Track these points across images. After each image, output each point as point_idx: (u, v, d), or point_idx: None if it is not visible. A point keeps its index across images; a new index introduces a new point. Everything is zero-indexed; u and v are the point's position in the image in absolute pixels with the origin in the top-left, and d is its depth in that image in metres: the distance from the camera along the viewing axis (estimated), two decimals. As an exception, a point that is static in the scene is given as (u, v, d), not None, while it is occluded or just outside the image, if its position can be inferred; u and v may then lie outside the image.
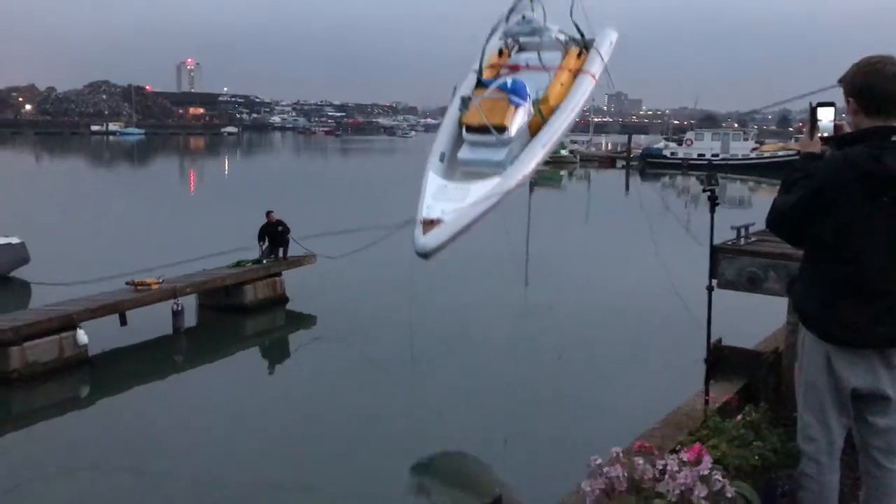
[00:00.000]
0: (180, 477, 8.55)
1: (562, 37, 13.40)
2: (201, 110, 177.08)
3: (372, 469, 8.94)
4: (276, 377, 13.13)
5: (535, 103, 12.30)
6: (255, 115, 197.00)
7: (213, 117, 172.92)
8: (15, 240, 18.57)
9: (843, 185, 3.06)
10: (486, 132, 11.93)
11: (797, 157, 3.42)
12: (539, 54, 13.45)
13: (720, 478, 2.78)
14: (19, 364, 11.57)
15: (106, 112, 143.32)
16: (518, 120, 12.06)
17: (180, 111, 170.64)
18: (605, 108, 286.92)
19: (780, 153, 56.21)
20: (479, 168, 11.79)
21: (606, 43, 13.53)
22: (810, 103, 3.40)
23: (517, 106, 12.15)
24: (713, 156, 59.25)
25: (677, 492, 2.64)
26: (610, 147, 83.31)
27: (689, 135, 69.56)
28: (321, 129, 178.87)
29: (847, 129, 3.29)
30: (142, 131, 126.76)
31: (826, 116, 3.38)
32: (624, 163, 69.97)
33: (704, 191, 3.89)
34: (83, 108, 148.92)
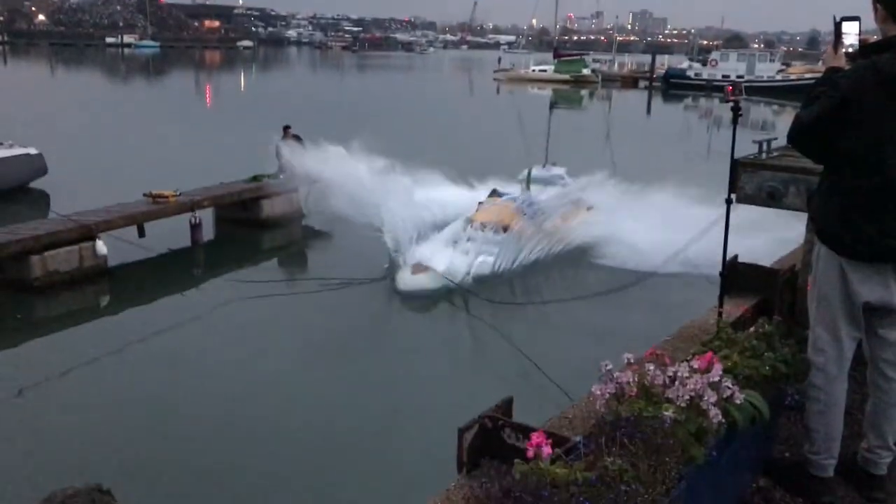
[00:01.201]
0: (195, 387, 8.75)
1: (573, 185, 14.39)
2: (216, 23, 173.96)
3: (385, 376, 9.14)
4: (293, 292, 13.23)
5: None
6: (271, 29, 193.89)
7: (229, 31, 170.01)
8: (32, 150, 18.63)
9: (868, 94, 2.99)
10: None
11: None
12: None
13: (730, 385, 2.81)
14: (40, 272, 11.76)
15: (120, 24, 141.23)
16: (521, 225, 13.15)
17: (195, 24, 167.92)
18: (628, 26, 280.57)
19: (807, 76, 55.00)
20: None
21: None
22: (834, 17, 3.30)
23: (523, 214, 13.34)
24: (738, 77, 58.03)
25: (687, 397, 2.66)
26: (634, 67, 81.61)
27: (714, 55, 68.04)
28: (338, 44, 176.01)
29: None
30: (157, 44, 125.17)
31: (851, 31, 3.28)
32: (646, 83, 68.74)
33: (727, 101, 3.82)
34: (97, 18, 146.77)
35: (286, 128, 17.12)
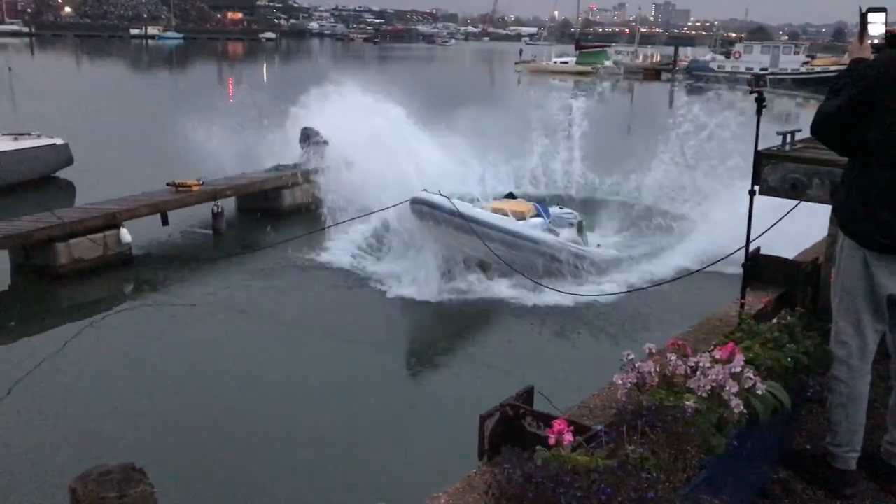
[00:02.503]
0: (217, 373, 8.84)
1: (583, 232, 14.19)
2: (239, 15, 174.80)
3: (404, 365, 9.19)
4: (310, 280, 13.26)
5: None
6: (293, 21, 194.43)
7: (251, 22, 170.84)
8: (59, 140, 18.85)
9: (894, 84, 2.97)
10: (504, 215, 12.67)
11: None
12: None
13: (751, 375, 2.81)
14: (65, 260, 11.91)
15: (144, 15, 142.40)
16: (536, 221, 12.88)
17: (218, 15, 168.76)
18: (651, 18, 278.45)
19: (832, 68, 54.38)
20: None
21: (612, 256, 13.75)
22: (860, 8, 3.28)
23: (539, 213, 13.14)
24: (762, 69, 57.43)
25: (708, 387, 2.67)
26: (659, 59, 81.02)
27: (738, 47, 67.52)
28: (359, 36, 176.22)
29: None
30: (181, 36, 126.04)
31: (877, 22, 3.26)
32: (669, 75, 68.25)
33: (751, 92, 3.80)
34: (122, 10, 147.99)
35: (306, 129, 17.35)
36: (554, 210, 14.22)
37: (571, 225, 14.19)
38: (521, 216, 12.67)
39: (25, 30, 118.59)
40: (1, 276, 11.89)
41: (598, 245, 14.02)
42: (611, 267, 12.71)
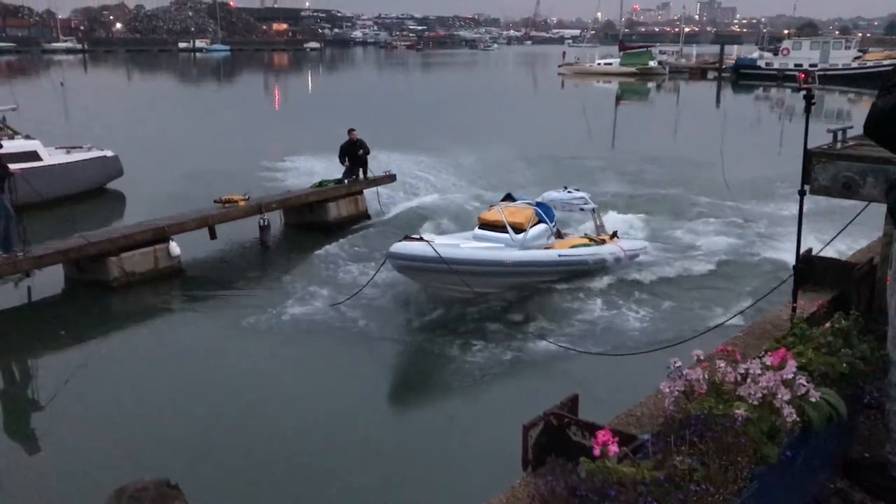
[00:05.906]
0: (261, 386, 8.91)
1: (598, 219, 13.44)
2: (284, 26, 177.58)
3: (448, 376, 9.14)
4: (353, 293, 13.26)
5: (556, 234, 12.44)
6: (337, 31, 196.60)
7: (296, 33, 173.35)
8: (109, 153, 19.30)
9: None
10: (501, 230, 11.75)
11: None
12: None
13: (804, 382, 2.71)
14: (117, 273, 12.17)
15: (192, 29, 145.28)
16: (537, 230, 12.08)
17: (264, 27, 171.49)
18: (696, 16, 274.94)
19: (886, 62, 52.99)
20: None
21: (639, 245, 13.61)
22: None
23: (541, 219, 12.18)
24: (811, 66, 56.21)
25: (759, 395, 2.58)
26: (708, 58, 79.90)
27: (786, 44, 66.08)
28: (402, 43, 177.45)
29: None
30: (227, 48, 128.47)
31: None
32: (715, 74, 67.24)
33: (800, 89, 3.69)
34: (170, 25, 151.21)
35: (351, 131, 17.29)
36: (563, 196, 13.48)
37: (582, 210, 13.61)
38: (520, 228, 11.76)
39: (78, 47, 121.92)
40: (54, 290, 12.17)
41: (616, 232, 13.58)
42: (617, 264, 12.43)
